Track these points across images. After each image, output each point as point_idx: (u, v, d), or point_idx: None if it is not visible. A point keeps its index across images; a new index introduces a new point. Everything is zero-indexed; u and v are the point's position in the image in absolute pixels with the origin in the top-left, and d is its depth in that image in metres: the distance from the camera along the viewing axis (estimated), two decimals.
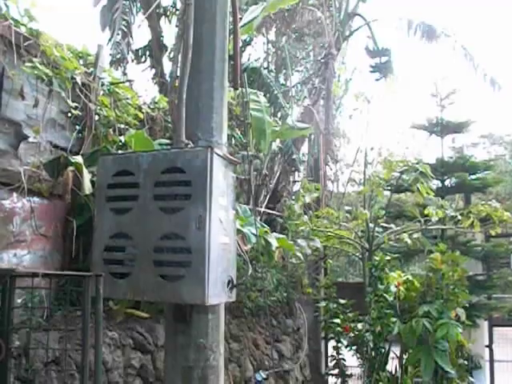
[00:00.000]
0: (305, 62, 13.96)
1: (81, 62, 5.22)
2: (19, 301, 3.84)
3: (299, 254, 6.33)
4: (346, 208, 8.49)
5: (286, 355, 6.87)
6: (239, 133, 7.52)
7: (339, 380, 6.77)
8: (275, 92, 8.09)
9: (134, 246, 2.66)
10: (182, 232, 2.54)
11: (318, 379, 7.59)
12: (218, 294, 2.59)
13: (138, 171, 2.73)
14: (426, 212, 6.01)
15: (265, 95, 7.73)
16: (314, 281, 8.01)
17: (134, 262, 2.64)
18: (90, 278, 2.27)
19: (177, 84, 3.22)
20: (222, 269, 2.63)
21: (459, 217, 6.16)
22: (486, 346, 7.94)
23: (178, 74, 3.09)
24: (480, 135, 24.06)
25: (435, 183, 7.83)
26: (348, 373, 6.63)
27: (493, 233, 6.33)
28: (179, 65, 3.09)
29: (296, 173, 10.12)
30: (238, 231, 5.08)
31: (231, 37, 3.76)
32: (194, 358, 2.75)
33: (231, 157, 2.93)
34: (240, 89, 6.65)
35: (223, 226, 2.67)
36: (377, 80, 9.57)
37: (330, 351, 7.18)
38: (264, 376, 6.05)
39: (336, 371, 6.74)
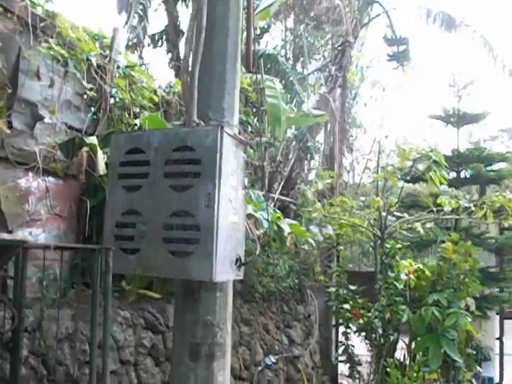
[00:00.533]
0: (322, 50, 13.91)
1: (96, 44, 5.25)
2: (34, 279, 3.92)
3: (311, 241, 6.35)
4: (362, 198, 8.47)
5: (297, 341, 6.90)
6: (255, 120, 7.53)
7: (348, 365, 6.80)
8: (291, 79, 8.08)
9: (144, 222, 2.70)
10: (192, 209, 2.57)
11: (327, 366, 7.61)
12: (225, 272, 2.62)
13: (149, 149, 2.76)
14: (438, 201, 5.98)
15: (280, 82, 7.73)
16: (326, 268, 8.02)
17: (144, 239, 2.68)
18: (100, 252, 2.32)
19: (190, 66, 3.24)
20: (230, 247, 2.66)
21: (473, 208, 6.12)
22: (497, 339, 7.90)
23: (191, 55, 3.10)
24: (499, 129, 23.80)
25: (451, 175, 7.78)
26: (356, 359, 6.65)
27: (506, 225, 6.29)
28: (192, 46, 3.10)
29: (311, 161, 10.13)
30: (251, 216, 5.12)
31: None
32: (201, 334, 2.79)
33: (242, 137, 2.95)
34: (256, 75, 6.67)
35: (232, 205, 2.69)
36: (394, 69, 9.49)
37: (341, 338, 7.21)
38: (273, 360, 6.11)
39: (344, 357, 6.76)
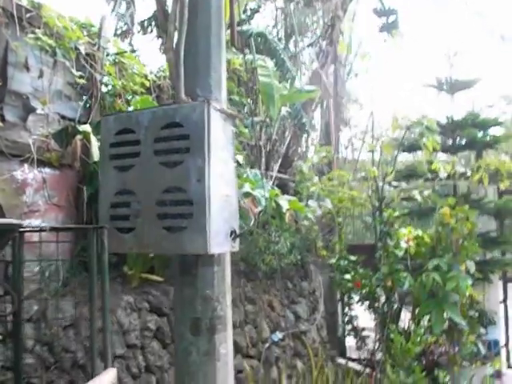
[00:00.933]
0: (314, 28, 13.82)
1: (84, 33, 5.25)
2: (36, 269, 3.97)
3: (311, 216, 6.37)
4: (361, 173, 8.49)
5: (302, 317, 6.96)
6: (249, 100, 7.53)
7: (352, 336, 6.87)
8: (282, 56, 8.03)
9: (137, 201, 2.72)
10: (183, 185, 2.60)
11: (334, 340, 7.68)
12: (220, 244, 2.65)
13: (139, 128, 2.78)
14: (433, 167, 6.00)
15: (271, 59, 7.69)
16: (328, 243, 8.05)
17: (138, 217, 2.71)
18: (95, 231, 2.35)
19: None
20: (223, 219, 2.68)
21: (469, 172, 6.14)
22: (501, 302, 7.95)
23: (176, 33, 3.11)
24: (497, 96, 23.82)
25: (447, 142, 7.79)
26: (361, 328, 6.72)
27: (503, 187, 6.31)
28: (176, 24, 3.11)
29: (309, 138, 10.12)
30: (249, 194, 5.15)
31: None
32: (201, 309, 2.83)
33: (230, 111, 2.96)
34: (244, 55, 6.66)
35: (223, 178, 2.71)
36: (384, 41, 9.42)
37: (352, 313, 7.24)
38: (280, 336, 6.18)
39: (349, 328, 6.83)
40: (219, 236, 2.63)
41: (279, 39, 11.74)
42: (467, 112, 8.17)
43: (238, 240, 2.83)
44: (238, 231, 2.80)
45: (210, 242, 2.52)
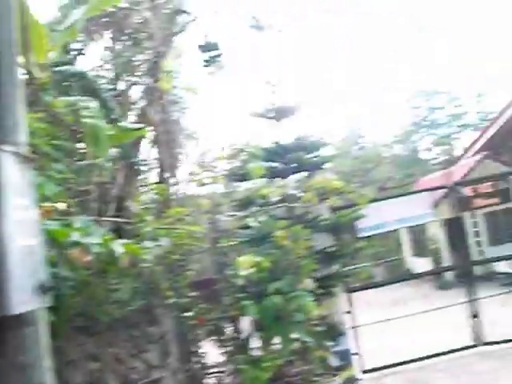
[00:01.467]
0: (142, 66, 13.73)
1: None
2: None
3: (150, 257, 6.10)
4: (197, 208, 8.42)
5: (155, 364, 6.61)
6: (75, 144, 7.12)
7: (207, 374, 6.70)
8: (106, 95, 7.78)
9: None
10: None
11: (191, 382, 7.41)
12: (26, 301, 2.35)
13: None
14: (264, 192, 6.12)
15: (95, 100, 7.39)
16: (172, 283, 7.79)
17: None
18: None
19: None
20: (27, 273, 2.38)
21: (300, 194, 6.35)
22: (347, 313, 8.32)
23: None
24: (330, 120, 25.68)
25: (278, 166, 8.06)
26: (211, 364, 6.58)
27: (333, 204, 6.62)
28: None
29: (143, 178, 9.85)
30: (77, 243, 4.79)
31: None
32: (15, 379, 2.47)
33: (28, 154, 2.68)
34: (69, 96, 6.29)
35: (23, 227, 2.42)
36: (210, 74, 9.67)
37: (201, 351, 7.04)
38: None
39: (201, 365, 6.65)
40: (24, 292, 2.33)
41: (111, 78, 11.44)
42: (295, 137, 8.59)
43: (49, 294, 2.53)
44: (48, 284, 2.51)
45: (13, 301, 2.21)
